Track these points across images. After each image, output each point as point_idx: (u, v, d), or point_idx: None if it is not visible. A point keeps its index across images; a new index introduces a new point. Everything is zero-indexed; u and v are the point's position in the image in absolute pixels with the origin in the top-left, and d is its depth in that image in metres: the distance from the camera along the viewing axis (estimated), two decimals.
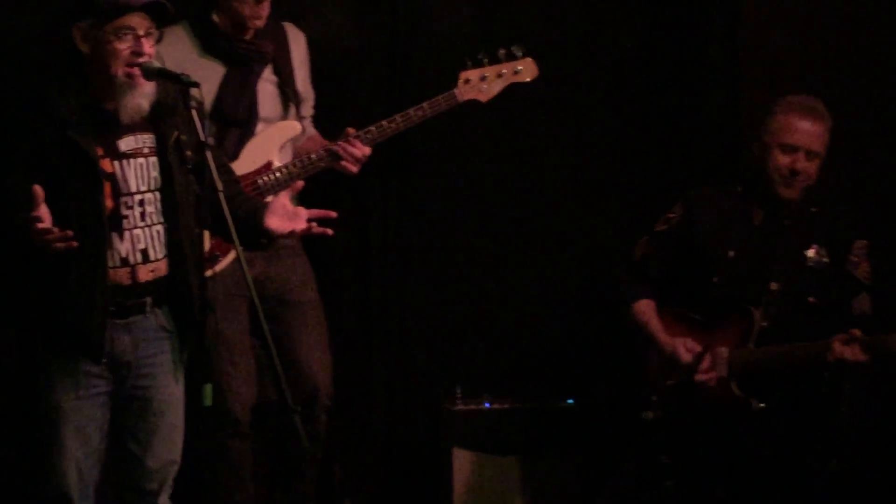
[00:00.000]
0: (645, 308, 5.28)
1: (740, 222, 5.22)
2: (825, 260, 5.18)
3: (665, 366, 5.21)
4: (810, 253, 5.18)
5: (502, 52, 5.28)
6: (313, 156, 5.13)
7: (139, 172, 4.25)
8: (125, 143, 4.23)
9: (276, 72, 5.18)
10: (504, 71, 5.28)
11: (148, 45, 4.16)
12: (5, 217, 4.09)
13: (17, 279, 4.21)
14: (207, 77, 4.97)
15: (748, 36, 6.05)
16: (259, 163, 5.10)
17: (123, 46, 4.15)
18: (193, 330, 4.33)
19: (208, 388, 4.14)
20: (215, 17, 5.11)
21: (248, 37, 5.10)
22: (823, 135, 5.14)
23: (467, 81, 5.24)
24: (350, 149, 5.10)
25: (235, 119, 5.09)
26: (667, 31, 6.12)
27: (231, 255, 5.04)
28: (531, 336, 6.06)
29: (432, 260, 6.08)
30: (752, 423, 5.09)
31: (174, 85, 4.20)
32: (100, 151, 4.18)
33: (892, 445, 5.77)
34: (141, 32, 4.15)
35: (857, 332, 4.94)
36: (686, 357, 5.15)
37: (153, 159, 4.28)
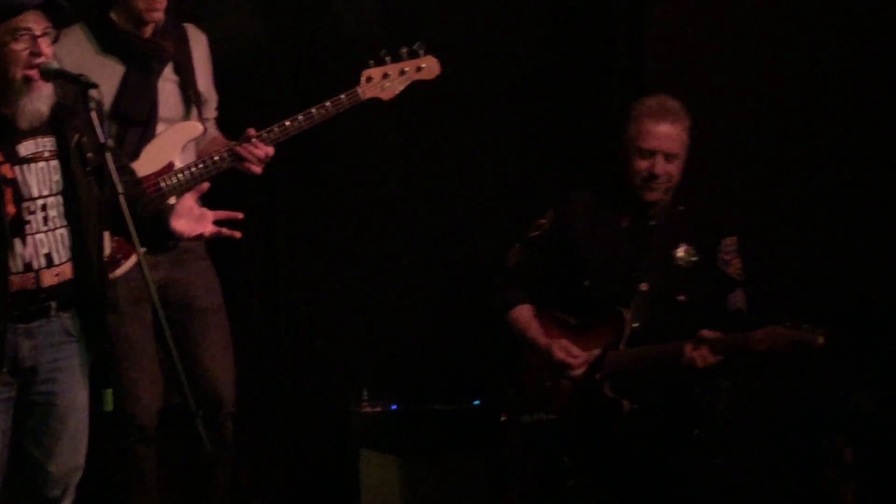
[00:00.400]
0: (523, 313, 5.29)
1: (609, 225, 5.25)
2: (694, 258, 5.21)
3: (543, 367, 5.23)
4: (679, 252, 5.21)
5: (405, 50, 5.28)
6: (216, 157, 5.09)
7: (40, 176, 4.19)
8: (25, 148, 4.16)
9: (177, 71, 5.14)
10: (406, 69, 5.28)
11: (45, 46, 4.09)
12: None
13: None
14: (107, 76, 4.94)
15: (651, 41, 6.10)
16: (160, 163, 5.06)
17: (20, 48, 4.08)
18: (100, 333, 4.28)
19: (109, 394, 4.10)
20: (113, 16, 5.05)
21: (147, 34, 5.05)
22: (681, 135, 5.17)
23: (369, 79, 5.24)
24: (252, 149, 5.07)
25: (135, 118, 5.04)
26: (568, 34, 6.15)
27: (133, 259, 4.99)
28: (438, 337, 6.09)
29: (338, 261, 6.08)
30: (626, 424, 5.12)
31: (72, 86, 4.15)
32: None
33: (775, 438, 5.88)
34: (38, 33, 4.08)
35: (706, 334, 4.99)
36: (560, 354, 5.16)
37: (54, 163, 4.21)
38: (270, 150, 5.11)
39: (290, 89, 5.95)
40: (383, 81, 5.26)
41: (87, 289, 4.25)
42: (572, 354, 5.16)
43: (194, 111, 5.18)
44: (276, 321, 5.98)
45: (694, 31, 6.07)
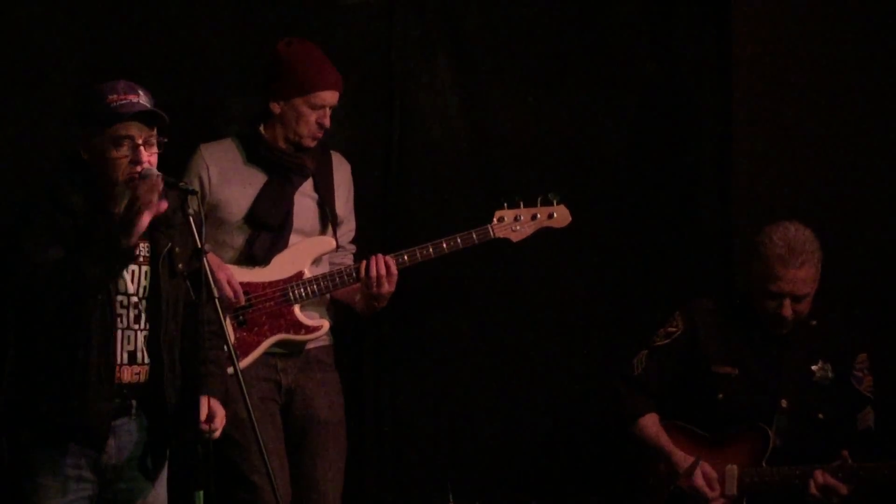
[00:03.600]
0: (650, 423, 5.19)
1: (740, 338, 5.16)
2: (830, 375, 5.13)
3: (673, 476, 5.15)
4: (815, 369, 5.13)
5: (539, 196, 5.38)
6: (346, 272, 5.21)
7: (133, 278, 4.31)
8: None
9: (317, 190, 5.27)
10: (538, 215, 5.39)
11: (146, 154, 4.20)
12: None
13: (18, 362, 4.25)
14: (248, 183, 5.14)
15: (739, 148, 6.14)
16: (291, 271, 5.19)
17: (120, 155, 4.20)
18: (168, 438, 4.36)
19: (200, 496, 4.14)
20: (262, 130, 5.20)
21: (290, 150, 5.19)
22: (811, 275, 5.04)
23: (501, 220, 5.36)
24: (379, 263, 5.16)
25: (268, 224, 5.16)
26: (659, 145, 6.20)
27: (250, 357, 5.10)
28: (522, 438, 6.06)
29: (423, 361, 6.10)
30: None
31: (173, 193, 4.25)
32: None
33: None
34: (139, 141, 4.20)
35: (838, 464, 4.94)
36: (700, 482, 5.07)
37: (146, 268, 4.33)
38: (394, 269, 5.19)
39: (378, 198, 6.01)
40: (514, 223, 5.36)
41: (158, 394, 4.34)
42: (712, 484, 5.07)
43: (329, 229, 5.29)
44: (362, 421, 5.97)
45: (778, 141, 6.11)
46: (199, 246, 4.16)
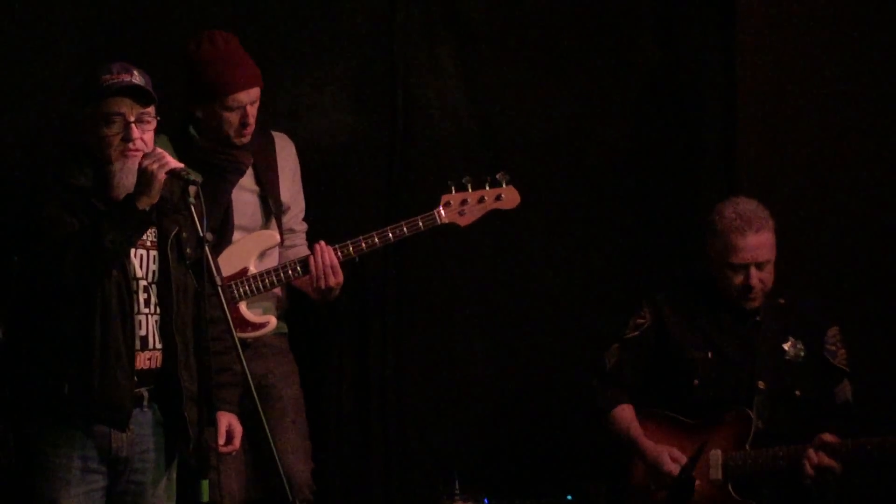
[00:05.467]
0: (624, 415, 5.23)
1: (709, 323, 5.22)
2: (802, 352, 5.18)
3: (651, 473, 5.18)
4: (787, 347, 5.18)
5: (487, 178, 5.33)
6: (289, 269, 5.17)
7: (141, 262, 4.31)
8: None
9: (258, 181, 5.22)
10: (485, 197, 5.32)
11: (138, 132, 4.21)
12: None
13: (32, 347, 4.24)
14: None
15: (744, 137, 6.12)
16: (234, 269, 5.13)
17: (112, 132, 4.21)
18: (182, 426, 4.34)
19: (205, 484, 4.12)
20: (192, 130, 5.15)
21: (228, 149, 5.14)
22: (768, 240, 5.15)
23: (448, 204, 5.29)
24: (320, 259, 5.12)
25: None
26: (663, 133, 6.19)
27: None
28: (531, 431, 6.05)
29: (430, 354, 6.09)
30: None
31: (177, 181, 4.24)
32: None
33: None
34: (130, 118, 4.21)
35: (828, 438, 4.97)
36: (670, 467, 5.11)
37: (153, 253, 4.33)
38: (335, 262, 5.14)
39: (381, 188, 6.00)
40: (462, 207, 5.30)
41: (172, 380, 4.33)
42: (673, 458, 5.12)
43: (273, 221, 5.24)
44: (368, 413, 5.97)
45: (783, 126, 6.10)
46: (201, 235, 4.14)
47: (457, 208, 5.29)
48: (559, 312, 6.10)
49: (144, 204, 4.16)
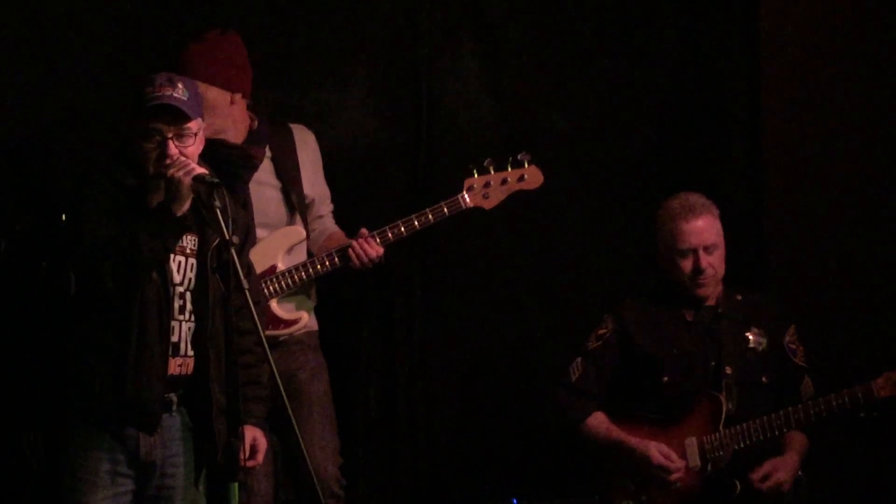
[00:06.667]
0: (598, 421, 5.25)
1: (673, 321, 5.27)
2: (764, 343, 5.25)
3: (637, 471, 5.19)
4: (750, 336, 5.25)
5: (509, 158, 5.32)
6: (326, 262, 5.16)
7: (179, 268, 4.33)
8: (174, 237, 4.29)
9: (279, 176, 5.21)
10: (508, 178, 5.31)
11: (175, 148, 4.24)
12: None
13: (63, 348, 4.26)
14: None
15: (769, 135, 6.12)
16: (263, 267, 5.10)
17: (150, 147, 4.25)
18: (210, 436, 4.35)
19: (234, 488, 4.13)
20: None
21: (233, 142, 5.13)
22: (714, 225, 5.23)
23: (471, 188, 5.27)
24: (365, 248, 5.13)
25: None
26: (687, 131, 6.19)
27: None
28: (558, 431, 6.04)
29: (458, 355, 6.10)
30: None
31: (201, 185, 4.23)
32: None
33: None
34: (168, 135, 4.25)
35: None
36: (658, 458, 5.13)
37: (192, 261, 4.35)
38: (381, 251, 5.16)
39: (406, 187, 6.01)
40: (485, 190, 5.28)
41: (201, 388, 4.34)
42: (670, 458, 5.13)
43: (297, 216, 5.23)
44: (395, 413, 5.98)
45: (808, 127, 6.09)
46: (227, 237, 4.15)
47: (481, 191, 5.28)
48: (588, 313, 6.08)
49: (178, 210, 4.19)
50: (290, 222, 5.22)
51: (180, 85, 4.27)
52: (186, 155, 4.25)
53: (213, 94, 5.02)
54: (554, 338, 6.11)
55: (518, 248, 6.13)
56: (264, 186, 5.17)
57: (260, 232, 5.12)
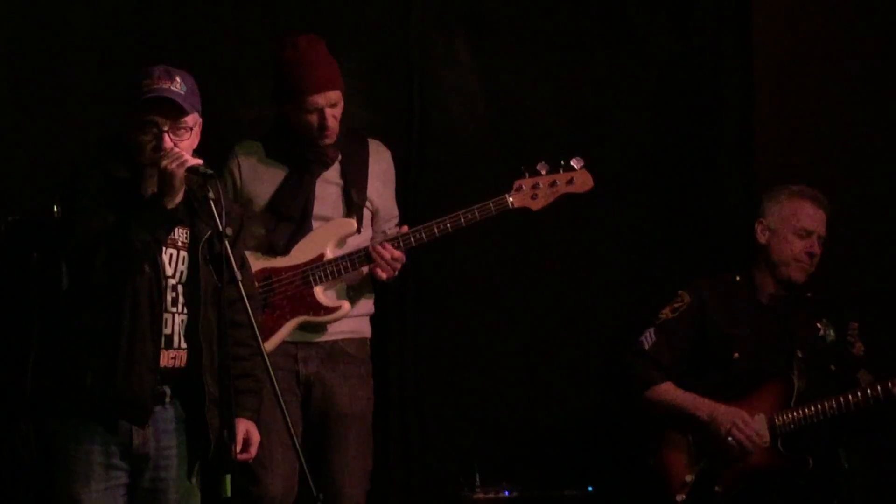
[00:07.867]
0: (667, 388, 5.30)
1: (748, 303, 5.37)
2: (832, 334, 5.36)
3: (698, 439, 5.24)
4: (820, 326, 5.37)
5: (561, 162, 5.31)
6: (355, 256, 5.18)
7: (171, 261, 4.32)
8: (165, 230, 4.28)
9: (343, 176, 5.25)
10: (557, 181, 5.31)
11: (170, 141, 4.23)
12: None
13: (55, 339, 4.27)
14: (273, 176, 5.18)
15: (761, 121, 6.12)
16: (312, 255, 5.18)
17: (146, 139, 4.24)
18: (203, 429, 4.34)
19: (227, 479, 4.12)
20: (285, 133, 5.22)
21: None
22: (827, 221, 5.37)
23: (519, 189, 5.28)
24: (381, 250, 5.14)
25: (287, 215, 5.18)
26: (680, 120, 6.19)
27: (271, 341, 5.12)
28: (552, 422, 6.05)
29: (450, 346, 6.10)
30: (805, 481, 5.22)
31: (195, 177, 4.23)
32: None
33: None
34: (164, 128, 4.23)
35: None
36: (747, 430, 5.16)
37: (184, 254, 4.34)
38: (398, 254, 5.17)
39: (398, 177, 6.00)
40: (534, 191, 5.29)
41: (194, 380, 4.33)
42: (758, 431, 5.19)
43: (355, 216, 5.26)
44: (388, 404, 5.97)
45: (799, 115, 6.09)
46: (221, 229, 4.15)
47: (529, 192, 5.28)
48: (577, 303, 6.11)
49: (169, 202, 4.18)
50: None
51: (178, 78, 4.26)
52: (181, 148, 4.23)
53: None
54: (547, 332, 6.12)
55: (510, 243, 6.12)
56: (327, 183, 5.24)
57: (315, 224, 5.21)
